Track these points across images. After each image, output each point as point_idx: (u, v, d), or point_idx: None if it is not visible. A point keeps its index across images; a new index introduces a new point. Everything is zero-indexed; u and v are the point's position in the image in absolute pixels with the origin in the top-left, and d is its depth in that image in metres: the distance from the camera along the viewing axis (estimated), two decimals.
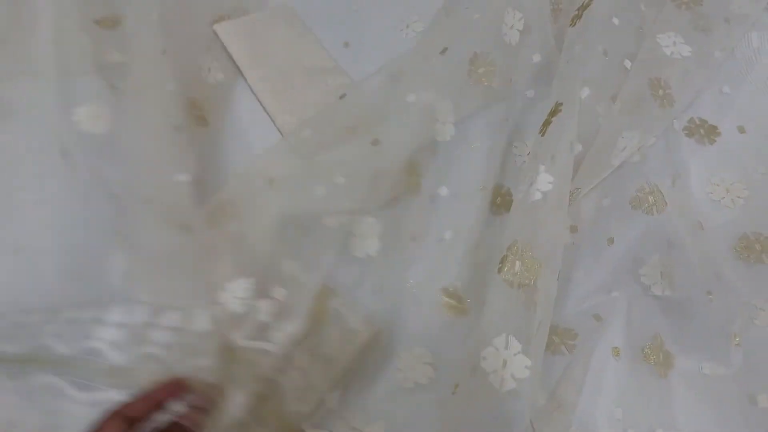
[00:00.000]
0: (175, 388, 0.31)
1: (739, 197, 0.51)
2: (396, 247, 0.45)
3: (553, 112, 0.45)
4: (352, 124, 0.48)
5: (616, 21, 0.53)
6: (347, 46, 0.59)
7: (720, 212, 0.50)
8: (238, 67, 0.55)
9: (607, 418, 0.41)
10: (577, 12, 0.54)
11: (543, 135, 0.45)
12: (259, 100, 0.53)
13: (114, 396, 0.36)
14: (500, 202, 0.50)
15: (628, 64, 0.53)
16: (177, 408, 0.31)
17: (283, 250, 0.42)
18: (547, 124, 0.45)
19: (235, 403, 0.35)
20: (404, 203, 0.47)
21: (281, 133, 0.52)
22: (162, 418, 0.30)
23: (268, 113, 0.53)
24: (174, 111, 0.45)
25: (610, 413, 0.41)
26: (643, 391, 0.42)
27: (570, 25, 0.53)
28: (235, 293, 0.39)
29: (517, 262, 0.40)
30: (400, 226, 0.46)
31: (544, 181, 0.43)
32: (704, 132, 0.55)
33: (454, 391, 0.38)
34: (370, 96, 0.50)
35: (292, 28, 0.59)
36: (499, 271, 0.39)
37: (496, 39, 0.51)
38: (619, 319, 0.45)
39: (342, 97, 0.51)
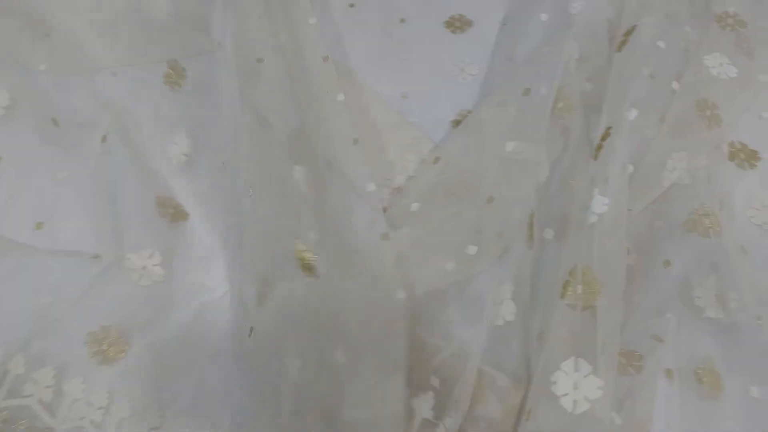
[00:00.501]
0: None
1: None
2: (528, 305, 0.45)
3: (604, 137, 0.46)
4: (457, 187, 0.47)
5: (661, 44, 0.54)
6: (405, 98, 0.58)
7: (763, 237, 0.51)
8: None
9: None
10: (623, 38, 0.54)
11: (596, 159, 0.45)
12: None
13: None
14: None
15: (675, 85, 0.53)
16: None
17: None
18: (599, 148, 0.46)
19: None
20: (520, 255, 0.46)
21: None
22: None
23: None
24: None
25: None
26: (694, 414, 0.43)
27: (616, 50, 0.54)
28: None
29: (579, 285, 0.40)
30: (527, 281, 0.45)
31: (600, 203, 0.44)
32: (744, 156, 0.56)
33: (528, 417, 0.38)
34: (464, 152, 0.49)
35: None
36: (562, 296, 0.40)
37: (565, 72, 0.51)
38: (671, 340, 0.45)
39: (436, 161, 0.50)
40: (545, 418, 0.37)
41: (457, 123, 0.56)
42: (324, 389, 0.40)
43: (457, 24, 0.64)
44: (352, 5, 0.65)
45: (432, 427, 0.40)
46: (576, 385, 0.36)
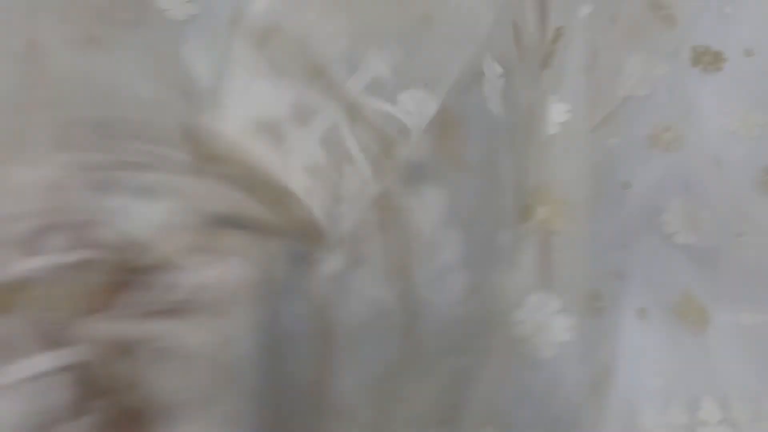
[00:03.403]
0: None
1: (756, 125, 0.46)
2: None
3: (554, 39, 0.39)
4: None
5: None
6: None
7: (736, 144, 0.45)
8: None
9: (645, 390, 0.36)
10: None
11: (548, 67, 0.38)
12: None
13: None
14: None
15: None
16: None
17: None
18: (550, 53, 0.39)
19: None
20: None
21: None
22: None
23: None
24: None
25: (646, 383, 0.36)
26: (679, 354, 0.37)
27: None
28: None
29: (541, 208, 0.33)
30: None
31: (559, 112, 0.37)
32: (709, 60, 0.49)
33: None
34: None
35: None
36: (524, 221, 0.33)
37: None
38: (640, 275, 0.39)
39: None
40: (505, 365, 0.31)
41: None
42: None
43: None
44: None
45: None
46: (541, 326, 0.30)
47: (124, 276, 0.28)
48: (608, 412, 0.36)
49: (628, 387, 0.36)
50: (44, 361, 0.26)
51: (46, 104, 0.34)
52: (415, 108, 0.37)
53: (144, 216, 0.30)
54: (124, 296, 0.29)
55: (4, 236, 0.28)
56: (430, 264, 0.37)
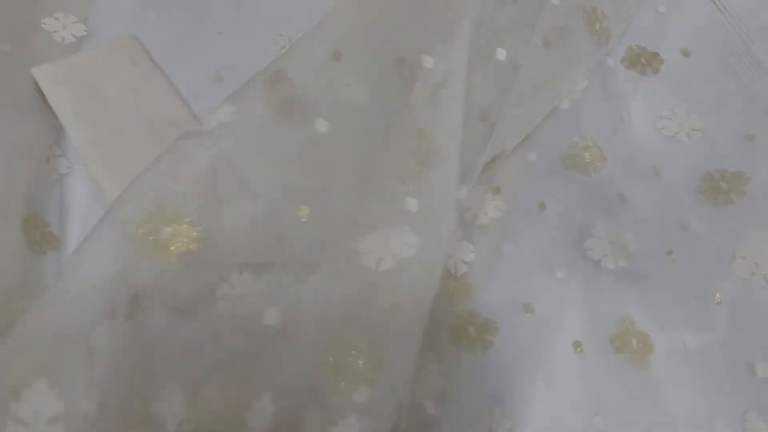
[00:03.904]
0: None
1: (694, 130, 0.44)
2: None
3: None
4: None
5: None
6: (219, 80, 0.45)
7: (677, 150, 0.43)
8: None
9: (589, 430, 0.33)
10: None
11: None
12: (90, 172, 0.40)
13: None
14: None
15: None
16: None
17: None
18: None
19: None
20: None
21: None
22: None
23: (100, 187, 0.39)
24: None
25: (588, 424, 0.34)
26: (622, 388, 0.35)
27: None
28: None
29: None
30: None
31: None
32: (646, 61, 0.47)
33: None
34: None
35: (134, 67, 0.44)
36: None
37: None
38: (573, 306, 0.37)
39: None
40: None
41: None
42: None
43: None
44: None
45: None
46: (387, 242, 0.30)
47: None
48: None
49: (571, 428, 0.33)
50: None
51: None
52: None
53: None
54: None
55: None
56: None
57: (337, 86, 0.36)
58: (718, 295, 0.38)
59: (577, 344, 0.36)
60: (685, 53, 0.47)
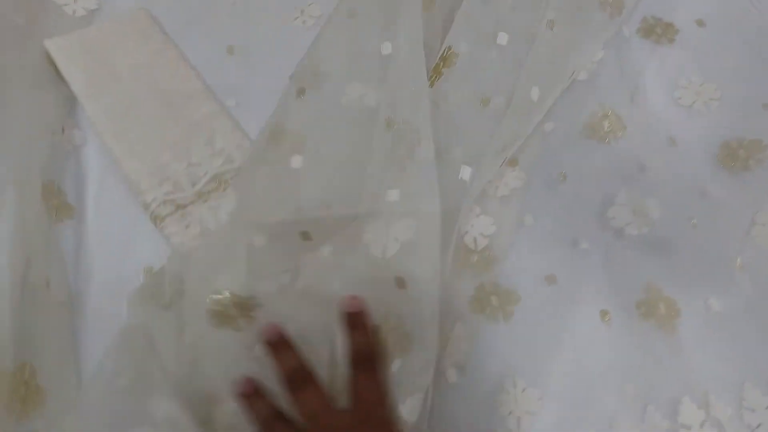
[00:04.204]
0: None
1: (712, 99, 0.43)
2: None
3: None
4: None
5: None
6: (231, 53, 0.44)
7: (694, 120, 0.43)
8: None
9: (620, 398, 0.33)
10: None
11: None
12: (104, 143, 0.40)
13: None
14: None
15: None
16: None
17: None
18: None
19: None
20: None
21: (129, 184, 0.39)
22: None
23: (113, 158, 0.39)
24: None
25: (620, 391, 0.33)
26: (651, 355, 0.34)
27: None
28: None
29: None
30: None
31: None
32: (661, 31, 0.47)
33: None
34: None
35: (146, 40, 0.44)
36: None
37: None
38: (596, 275, 0.37)
39: None
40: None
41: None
42: None
43: None
44: None
45: None
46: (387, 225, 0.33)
47: None
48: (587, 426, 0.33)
49: (598, 399, 0.33)
50: None
51: None
52: None
53: None
54: None
55: None
56: None
57: None
58: (739, 260, 0.37)
59: (604, 313, 0.35)
60: (700, 23, 0.47)
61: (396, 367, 0.31)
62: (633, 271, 0.36)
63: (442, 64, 0.39)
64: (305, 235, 0.35)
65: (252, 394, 0.29)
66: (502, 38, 0.40)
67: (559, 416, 0.33)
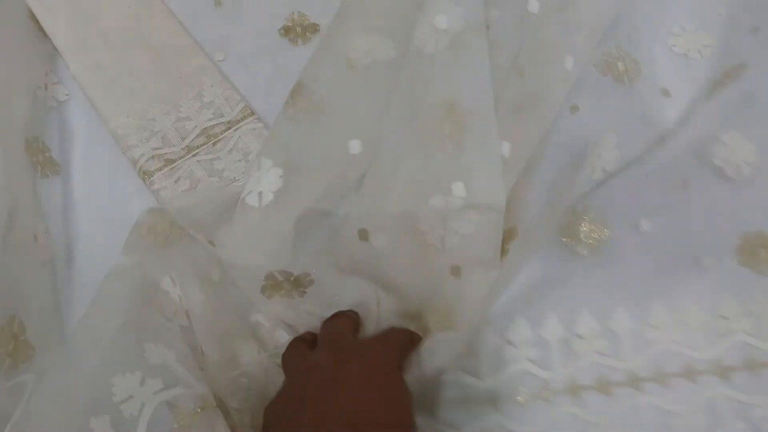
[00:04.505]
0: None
1: (705, 46, 0.43)
2: None
3: None
4: None
5: None
6: (219, 5, 0.43)
7: (687, 68, 0.42)
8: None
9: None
10: None
11: None
12: (89, 99, 0.39)
13: None
14: None
15: None
16: None
17: None
18: None
19: None
20: None
21: (117, 140, 0.38)
22: None
23: (99, 115, 0.39)
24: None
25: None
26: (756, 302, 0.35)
27: None
28: None
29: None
30: None
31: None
32: None
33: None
34: None
35: None
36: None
37: None
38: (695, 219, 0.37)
39: None
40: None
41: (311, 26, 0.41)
42: None
43: None
44: None
45: None
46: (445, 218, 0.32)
47: None
48: None
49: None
50: None
51: None
52: None
53: None
54: None
55: None
56: None
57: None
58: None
59: (697, 259, 0.36)
60: None
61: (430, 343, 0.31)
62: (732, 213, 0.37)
63: None
64: (363, 234, 0.34)
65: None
66: (533, 6, 0.38)
67: None
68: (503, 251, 0.33)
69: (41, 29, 0.40)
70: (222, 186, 0.37)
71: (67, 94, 0.40)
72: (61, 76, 0.40)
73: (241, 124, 0.39)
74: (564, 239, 0.36)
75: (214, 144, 0.38)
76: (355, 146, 0.34)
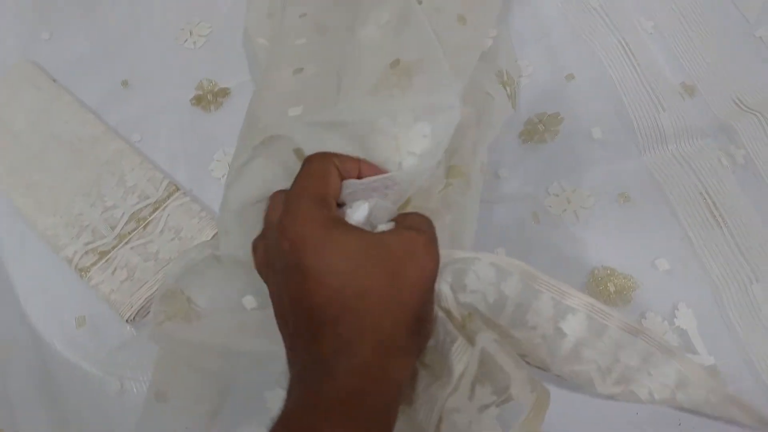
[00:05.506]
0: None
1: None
2: None
3: None
4: None
5: None
6: (126, 86, 0.43)
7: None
8: None
9: None
10: None
11: None
12: (12, 203, 0.39)
13: None
14: None
15: None
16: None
17: None
18: None
19: None
20: None
21: (46, 241, 0.38)
22: None
23: (24, 218, 0.39)
24: None
25: None
26: None
27: None
28: None
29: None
30: None
31: None
32: None
33: None
34: None
35: (38, 90, 0.43)
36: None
37: None
38: None
39: None
40: None
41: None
42: None
43: None
44: None
45: None
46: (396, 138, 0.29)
47: None
48: None
49: None
50: None
51: None
52: None
53: None
54: None
55: None
56: None
57: None
58: None
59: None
60: None
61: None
62: None
63: None
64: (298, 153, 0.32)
65: None
66: None
67: None
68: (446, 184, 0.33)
69: None
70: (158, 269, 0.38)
71: None
72: None
73: (168, 201, 0.39)
74: None
75: (144, 227, 0.38)
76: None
